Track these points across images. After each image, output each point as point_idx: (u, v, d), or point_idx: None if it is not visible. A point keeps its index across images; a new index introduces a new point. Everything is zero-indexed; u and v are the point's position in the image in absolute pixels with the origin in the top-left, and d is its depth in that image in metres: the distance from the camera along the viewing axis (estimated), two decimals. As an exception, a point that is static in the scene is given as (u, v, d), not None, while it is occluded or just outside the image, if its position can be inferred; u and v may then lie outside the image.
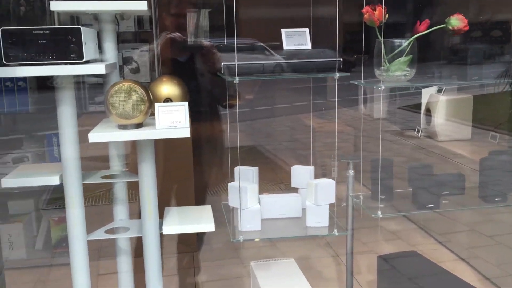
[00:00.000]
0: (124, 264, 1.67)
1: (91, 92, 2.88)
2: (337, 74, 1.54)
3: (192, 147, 2.78)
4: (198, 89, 2.52)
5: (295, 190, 1.84)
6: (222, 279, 2.82)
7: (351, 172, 1.88)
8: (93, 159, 1.85)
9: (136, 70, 2.84)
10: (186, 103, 1.39)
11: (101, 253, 2.78)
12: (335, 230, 1.61)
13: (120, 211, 1.64)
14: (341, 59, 1.56)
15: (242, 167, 1.76)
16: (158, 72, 2.77)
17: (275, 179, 4.19)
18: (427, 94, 4.40)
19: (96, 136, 1.34)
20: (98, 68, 1.33)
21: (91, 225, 1.52)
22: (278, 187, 3.96)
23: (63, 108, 1.40)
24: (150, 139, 1.42)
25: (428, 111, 4.45)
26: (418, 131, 4.43)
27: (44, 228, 2.97)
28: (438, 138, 4.34)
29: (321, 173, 1.96)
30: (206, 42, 2.51)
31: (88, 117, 2.63)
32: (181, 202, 2.53)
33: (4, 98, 2.76)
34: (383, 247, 3.18)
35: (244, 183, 1.64)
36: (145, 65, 2.86)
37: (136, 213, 1.67)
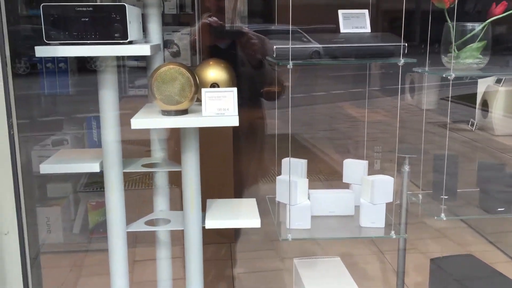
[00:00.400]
0: (163, 253, 1.60)
1: (131, 75, 2.82)
2: (402, 60, 1.39)
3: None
4: (239, 76, 2.42)
5: (345, 185, 1.71)
6: (260, 272, 2.74)
7: (406, 168, 1.74)
8: (132, 142, 1.79)
9: (176, 54, 2.76)
10: (235, 89, 1.28)
11: (137, 239, 2.74)
12: (393, 232, 1.47)
13: (161, 202, 1.56)
14: (406, 44, 1.41)
15: (291, 159, 1.64)
16: (199, 56, 2.67)
17: (314, 170, 4.05)
18: (484, 84, 4.09)
19: (139, 122, 1.26)
20: (143, 49, 1.24)
21: (128, 210, 1.45)
22: (317, 177, 3.82)
23: (104, 91, 1.32)
24: (195, 127, 1.32)
25: (484, 103, 4.13)
26: (472, 124, 4.15)
27: (82, 212, 2.96)
28: (495, 132, 4.04)
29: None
30: (245, 28, 2.38)
31: (128, 101, 2.57)
32: (220, 193, 2.45)
33: (45, 79, 2.74)
34: (429, 246, 3.01)
35: (293, 177, 1.52)
36: (185, 48, 2.77)
37: (173, 199, 1.60)
